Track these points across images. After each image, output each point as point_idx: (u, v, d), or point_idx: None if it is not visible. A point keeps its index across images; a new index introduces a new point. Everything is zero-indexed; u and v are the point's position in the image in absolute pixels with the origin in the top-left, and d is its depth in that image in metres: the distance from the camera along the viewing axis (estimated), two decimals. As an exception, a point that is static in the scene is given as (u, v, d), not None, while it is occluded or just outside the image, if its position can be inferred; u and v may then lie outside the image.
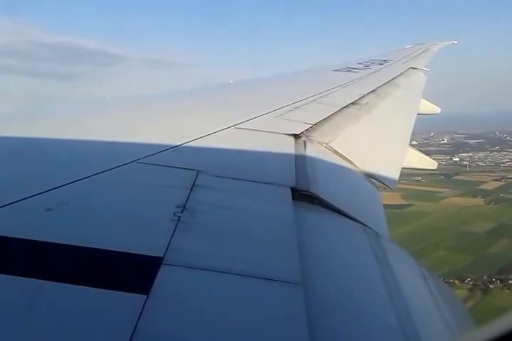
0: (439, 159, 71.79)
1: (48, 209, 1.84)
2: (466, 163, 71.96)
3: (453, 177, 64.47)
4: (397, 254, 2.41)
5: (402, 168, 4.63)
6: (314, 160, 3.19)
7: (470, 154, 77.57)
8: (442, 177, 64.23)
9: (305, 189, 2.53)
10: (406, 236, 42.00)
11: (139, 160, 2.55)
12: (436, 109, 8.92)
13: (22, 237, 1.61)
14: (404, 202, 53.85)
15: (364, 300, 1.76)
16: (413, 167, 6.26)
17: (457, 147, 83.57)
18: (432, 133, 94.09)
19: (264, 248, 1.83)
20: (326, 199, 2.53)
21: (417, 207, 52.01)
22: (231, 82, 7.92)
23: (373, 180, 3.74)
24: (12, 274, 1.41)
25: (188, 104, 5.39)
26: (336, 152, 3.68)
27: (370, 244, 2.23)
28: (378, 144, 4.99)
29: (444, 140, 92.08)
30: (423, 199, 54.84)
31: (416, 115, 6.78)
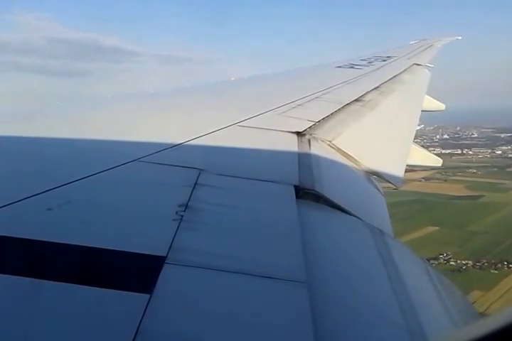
0: (480, 152, 72.44)
1: (49, 209, 1.83)
2: (511, 155, 72.19)
3: (507, 169, 64.75)
4: (402, 252, 2.39)
5: (407, 166, 4.60)
6: (318, 158, 3.16)
7: (509, 147, 77.70)
8: (495, 169, 65.04)
9: (309, 187, 2.51)
10: (499, 225, 42.61)
11: (141, 159, 2.54)
12: (441, 106, 8.88)
13: (23, 237, 1.60)
14: (472, 193, 54.46)
15: (369, 298, 1.74)
16: (418, 164, 6.24)
17: (491, 140, 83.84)
18: (459, 128, 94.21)
19: (268, 246, 1.82)
20: (331, 197, 2.51)
21: (490, 198, 52.34)
22: (233, 79, 7.90)
23: (378, 178, 3.72)
24: (14, 274, 1.40)
25: (190, 101, 5.37)
26: (339, 150, 3.66)
27: (375, 242, 2.21)
28: (382, 142, 4.96)
29: (474, 134, 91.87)
30: (490, 190, 55.21)
31: (420, 112, 6.75)
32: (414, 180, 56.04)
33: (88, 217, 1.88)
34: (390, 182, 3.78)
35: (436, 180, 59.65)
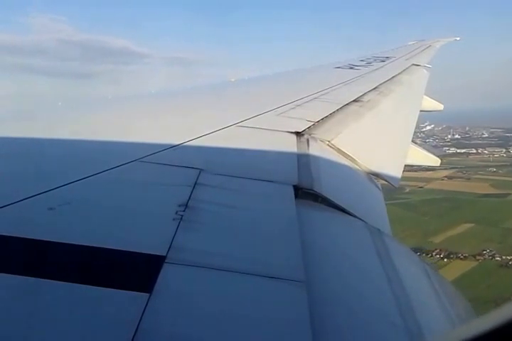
0: (495, 151, 72.86)
1: (51, 209, 1.84)
2: (526, 154, 73.15)
3: (527, 168, 65.51)
4: (401, 251, 2.40)
5: (405, 166, 4.61)
6: (317, 158, 3.17)
7: (522, 146, 78.76)
8: (515, 168, 65.95)
9: (308, 187, 2.52)
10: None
11: (141, 159, 2.55)
12: (439, 106, 8.91)
13: (24, 236, 1.61)
14: (498, 191, 54.69)
15: (368, 298, 1.75)
16: (417, 164, 6.25)
17: (503, 140, 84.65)
18: (468, 128, 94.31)
19: (267, 246, 1.83)
20: (330, 197, 2.52)
21: (517, 195, 52.58)
22: (233, 80, 7.93)
23: (376, 178, 3.73)
24: (14, 273, 1.41)
25: (190, 102, 5.38)
26: (338, 150, 3.67)
27: (374, 241, 2.22)
28: (381, 142, 4.97)
29: (484, 134, 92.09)
30: (515, 188, 55.47)
31: (419, 112, 6.77)
32: (437, 179, 56.55)
33: (89, 217, 1.89)
34: (388, 182, 3.80)
35: (459, 179, 60.07)
